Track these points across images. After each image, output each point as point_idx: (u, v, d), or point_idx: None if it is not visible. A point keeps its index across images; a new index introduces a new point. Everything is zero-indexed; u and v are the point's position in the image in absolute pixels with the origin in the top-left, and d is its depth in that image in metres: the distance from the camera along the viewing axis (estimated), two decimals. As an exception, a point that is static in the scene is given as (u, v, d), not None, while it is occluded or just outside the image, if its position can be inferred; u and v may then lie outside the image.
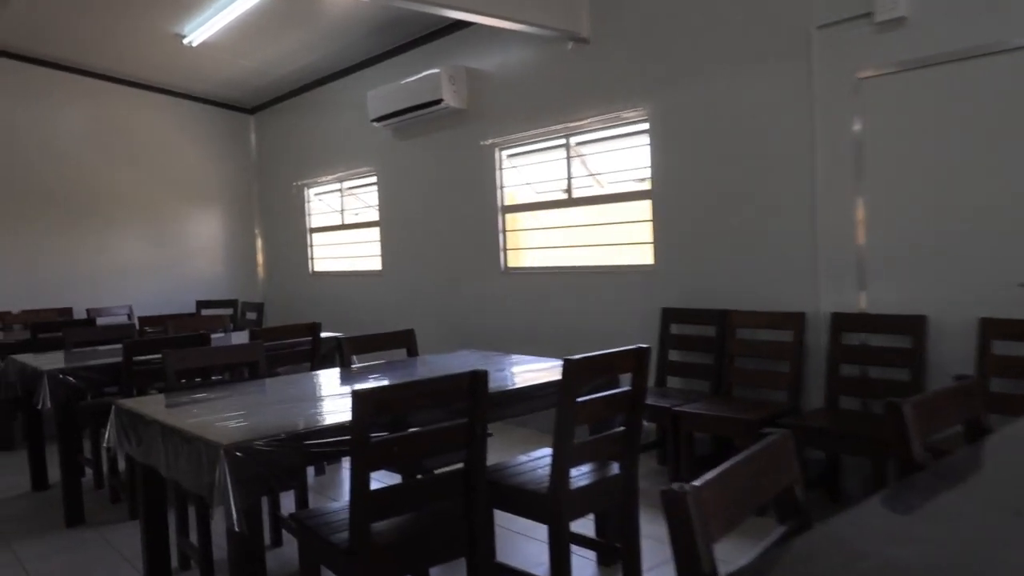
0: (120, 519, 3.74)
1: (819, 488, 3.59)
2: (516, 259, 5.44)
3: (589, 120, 4.73)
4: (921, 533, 1.16)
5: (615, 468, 2.62)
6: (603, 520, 2.96)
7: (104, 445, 3.24)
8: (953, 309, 3.25)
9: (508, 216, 5.46)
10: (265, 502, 3.44)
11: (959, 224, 3.22)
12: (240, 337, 4.76)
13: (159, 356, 3.58)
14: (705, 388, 4.11)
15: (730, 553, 2.57)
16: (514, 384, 2.78)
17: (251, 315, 6.77)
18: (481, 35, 5.39)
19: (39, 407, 3.67)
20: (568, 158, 4.97)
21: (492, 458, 2.37)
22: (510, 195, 5.47)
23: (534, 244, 5.31)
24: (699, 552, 1.05)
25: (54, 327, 5.24)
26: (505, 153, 5.43)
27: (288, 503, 3.81)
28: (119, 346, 4.12)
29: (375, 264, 6.74)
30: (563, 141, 4.98)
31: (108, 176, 7.32)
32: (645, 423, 3.79)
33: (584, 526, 3.19)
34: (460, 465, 2.28)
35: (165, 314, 5.78)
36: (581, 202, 4.91)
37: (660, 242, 4.39)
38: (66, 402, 3.72)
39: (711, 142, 4.09)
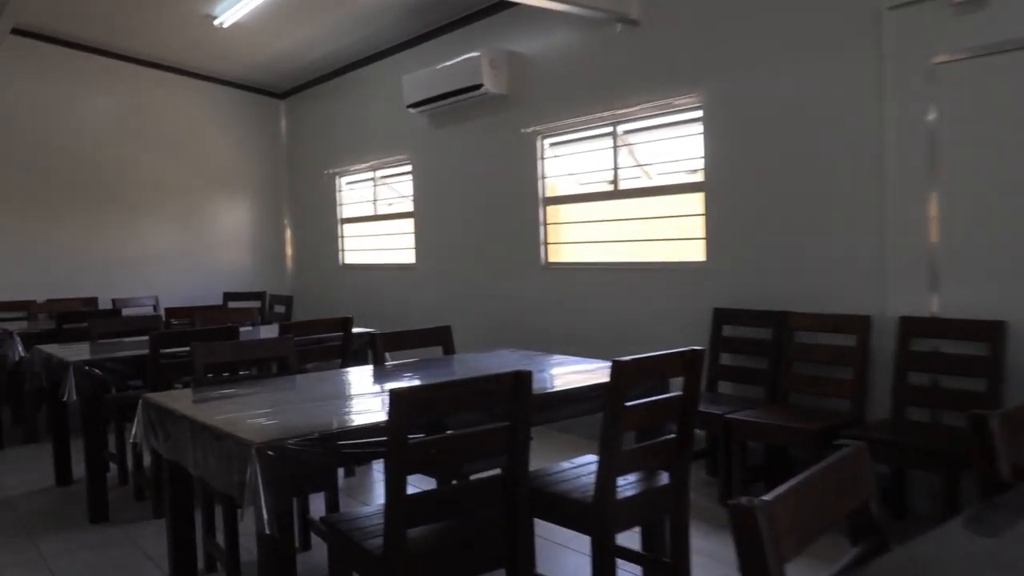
0: (145, 517, 3.81)
1: (883, 504, 3.51)
2: (557, 254, 5.42)
3: (638, 107, 4.68)
4: (1011, 559, 1.11)
5: (664, 478, 2.58)
6: (650, 533, 2.93)
7: (130, 440, 3.30)
8: (1035, 314, 3.15)
9: (549, 208, 5.43)
10: (294, 504, 3.47)
11: (1044, 222, 3.12)
12: (268, 331, 4.81)
13: (185, 349, 3.63)
14: (759, 395, 4.05)
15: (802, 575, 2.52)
16: (557, 386, 2.76)
17: (279, 308, 6.85)
18: (523, 16, 5.37)
19: (64, 399, 3.74)
20: (615, 147, 4.92)
21: (532, 464, 2.36)
22: (552, 186, 5.44)
23: (577, 238, 5.28)
24: (770, 573, 1.02)
25: (79, 317, 5.35)
26: (547, 142, 5.40)
27: (317, 506, 3.83)
28: (144, 338, 4.19)
29: (408, 257, 6.77)
30: (610, 129, 4.93)
31: (134, 161, 7.46)
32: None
33: (630, 539, 3.16)
34: (498, 471, 2.27)
35: (192, 305, 5.87)
36: (628, 194, 4.86)
37: (713, 238, 4.33)
38: (91, 395, 3.80)
39: (770, 131, 4.02)
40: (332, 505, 3.41)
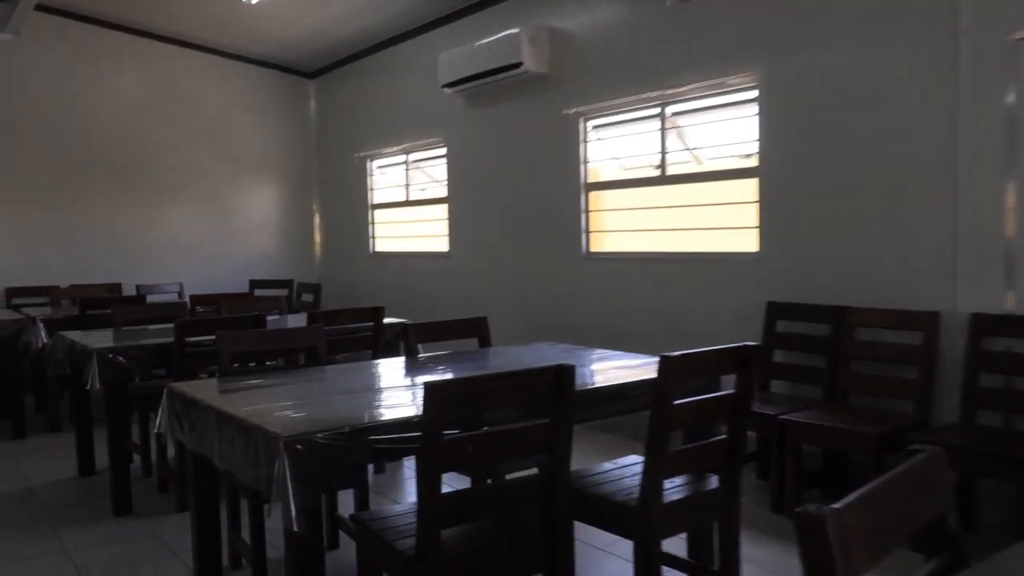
0: (169, 510, 3.86)
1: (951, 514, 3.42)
2: (599, 243, 5.37)
3: (688, 87, 4.61)
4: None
5: (713, 482, 2.54)
6: (698, 540, 2.89)
7: (154, 431, 3.34)
8: (1123, 313, 3.04)
9: (592, 194, 5.39)
10: (322, 500, 3.49)
11: None
12: (296, 320, 4.85)
13: (211, 338, 3.66)
14: (816, 395, 3.97)
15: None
16: (599, 382, 2.73)
17: (307, 297, 6.90)
18: (567, -10, 5.33)
19: (87, 387, 3.81)
20: (663, 130, 4.86)
21: (571, 464, 2.35)
22: (594, 171, 5.40)
23: (620, 226, 5.23)
24: (839, 587, 0.98)
25: (103, 303, 5.44)
26: (591, 124, 5.35)
27: (346, 503, 3.85)
28: (168, 326, 4.24)
29: (442, 245, 6.77)
30: (657, 111, 4.87)
31: (159, 143, 7.57)
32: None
33: (676, 545, 3.12)
34: (534, 470, 2.25)
35: (217, 293, 5.94)
36: (676, 180, 4.80)
37: (767, 227, 4.25)
38: (115, 383, 3.86)
39: (831, 112, 3.93)
40: (362, 502, 3.42)
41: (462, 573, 2.11)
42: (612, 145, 5.27)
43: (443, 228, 6.74)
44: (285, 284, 7.38)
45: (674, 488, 2.49)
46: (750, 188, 4.38)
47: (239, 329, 3.56)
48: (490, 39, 5.62)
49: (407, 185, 7.30)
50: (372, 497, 3.90)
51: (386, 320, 4.33)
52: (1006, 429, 3.32)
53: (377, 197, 7.75)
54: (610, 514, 2.41)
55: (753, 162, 4.36)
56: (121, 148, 7.37)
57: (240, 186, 8.08)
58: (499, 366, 3.08)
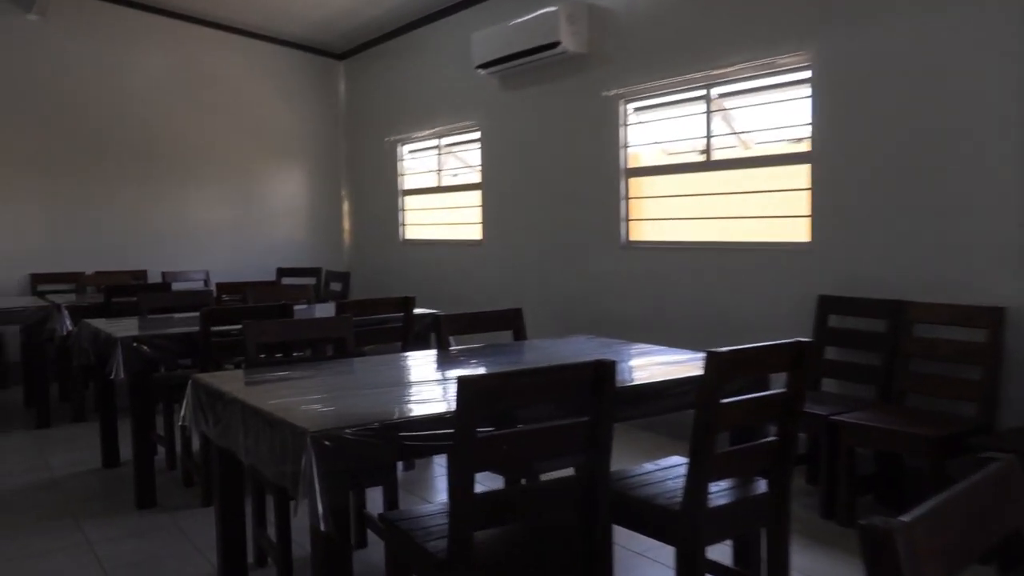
0: (193, 504, 3.90)
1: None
2: (639, 231, 5.32)
3: (736, 67, 4.53)
4: None
5: (761, 486, 2.50)
6: (744, 547, 2.84)
7: (178, 423, 3.37)
8: None
9: (632, 181, 5.33)
10: (350, 498, 3.49)
11: None
12: (324, 310, 4.87)
13: (237, 327, 3.68)
14: (870, 394, 3.89)
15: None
16: (641, 378, 2.69)
17: (335, 286, 6.93)
18: (608, -34, 5.26)
19: (112, 377, 3.85)
20: (708, 113, 4.79)
21: (611, 464, 2.33)
22: (635, 156, 5.34)
23: (662, 214, 5.17)
24: (909, 607, 0.94)
25: (129, 291, 5.51)
26: (631, 106, 5.29)
27: (374, 502, 3.86)
28: (194, 314, 4.27)
29: (475, 233, 6.76)
30: (702, 93, 4.80)
31: (185, 126, 7.64)
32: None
33: (721, 552, 3.08)
34: (571, 471, 2.22)
35: (244, 281, 5.98)
36: (722, 166, 4.73)
37: (819, 216, 4.17)
38: (140, 373, 3.90)
39: (891, 93, 3.83)
40: (391, 501, 3.42)
41: (495, 577, 2.09)
42: (654, 129, 5.20)
43: (476, 215, 6.73)
44: (313, 272, 7.42)
45: (720, 492, 2.45)
46: (801, 175, 4.30)
47: (266, 319, 3.57)
48: (526, 17, 5.58)
49: (439, 170, 7.29)
50: (401, 495, 3.90)
51: (416, 311, 4.32)
52: (1077, 434, 3.22)
53: (408, 183, 7.75)
54: (651, 518, 2.37)
55: (805, 147, 4.27)
56: (147, 131, 7.45)
57: (267, 171, 8.13)
58: (535, 360, 3.05)
